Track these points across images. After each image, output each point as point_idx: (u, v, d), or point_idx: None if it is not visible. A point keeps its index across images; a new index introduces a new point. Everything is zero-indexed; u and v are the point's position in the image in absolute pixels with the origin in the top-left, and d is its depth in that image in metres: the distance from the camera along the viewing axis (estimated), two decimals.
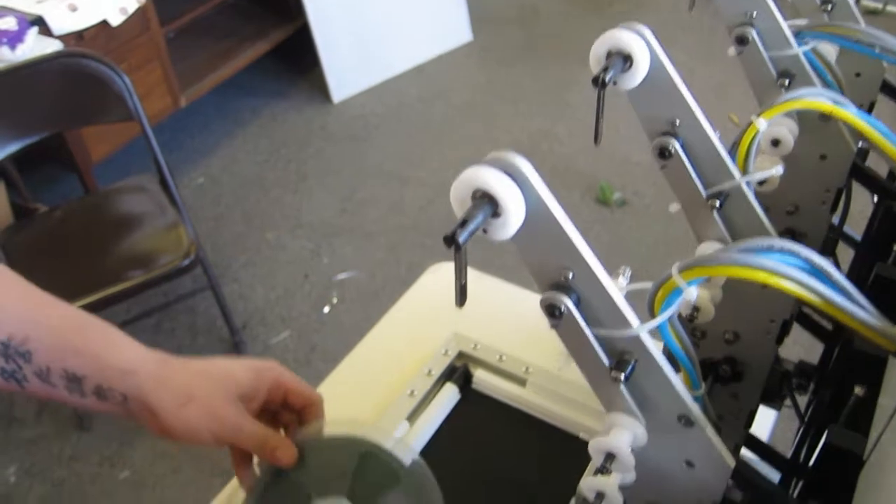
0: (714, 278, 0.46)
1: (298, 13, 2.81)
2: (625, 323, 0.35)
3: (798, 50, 0.54)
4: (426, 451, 0.82)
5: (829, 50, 0.63)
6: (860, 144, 0.64)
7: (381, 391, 0.87)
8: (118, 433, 1.94)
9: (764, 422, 0.87)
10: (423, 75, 3.16)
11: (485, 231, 0.34)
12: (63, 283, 1.72)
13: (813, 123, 0.57)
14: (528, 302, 1.00)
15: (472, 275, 1.06)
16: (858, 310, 0.35)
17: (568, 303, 0.35)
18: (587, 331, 0.36)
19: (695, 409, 0.37)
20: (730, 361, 0.55)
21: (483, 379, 0.87)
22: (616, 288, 0.35)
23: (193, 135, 2.89)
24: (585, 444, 0.42)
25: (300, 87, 3.15)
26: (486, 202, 0.32)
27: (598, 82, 0.40)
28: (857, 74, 0.67)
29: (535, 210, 0.34)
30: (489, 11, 3.47)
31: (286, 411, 0.64)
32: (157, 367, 0.57)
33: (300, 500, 0.60)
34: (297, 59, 3.16)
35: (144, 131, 1.87)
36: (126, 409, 0.56)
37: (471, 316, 0.96)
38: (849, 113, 0.43)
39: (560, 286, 0.36)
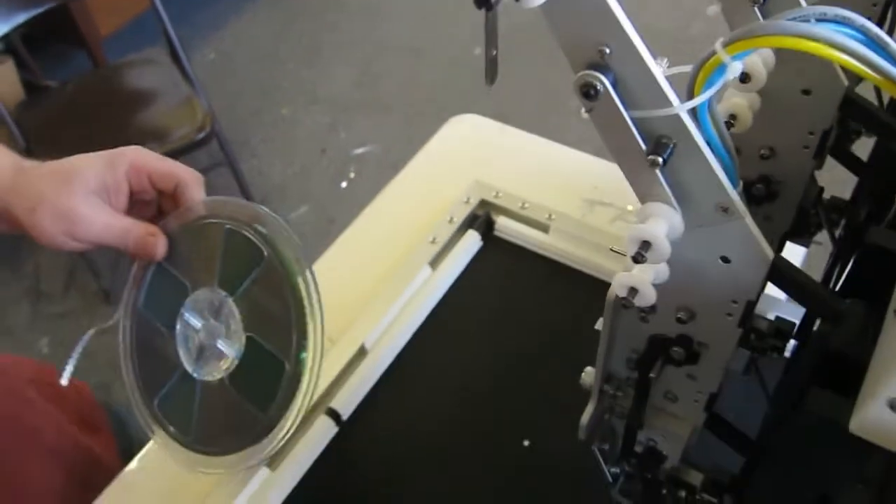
0: (755, 79, 0.43)
1: None
2: (665, 101, 0.33)
3: None
4: (449, 297, 0.82)
5: None
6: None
7: (402, 239, 0.87)
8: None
9: (793, 260, 0.87)
10: None
11: None
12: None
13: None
14: (551, 152, 0.98)
15: (493, 126, 1.04)
16: None
17: (605, 81, 0.33)
18: (624, 112, 0.34)
19: (734, 195, 0.36)
20: (764, 180, 0.53)
21: (506, 226, 0.86)
22: (656, 65, 0.33)
23: (201, 9, 2.80)
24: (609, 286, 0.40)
25: None
26: None
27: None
28: None
29: None
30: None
31: (166, 198, 0.60)
32: (13, 175, 0.56)
33: (178, 293, 0.59)
34: None
35: (153, 1, 1.81)
36: (4, 223, 0.57)
37: (493, 166, 0.94)
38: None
39: (595, 65, 0.34)
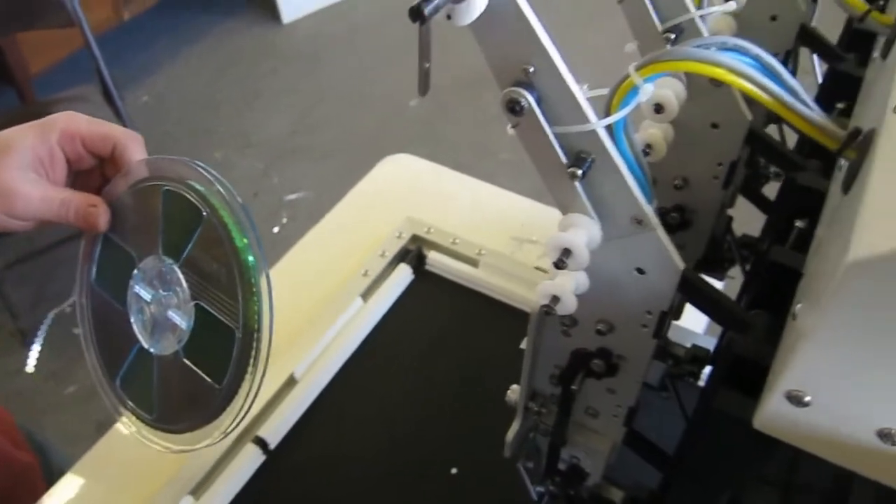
0: (667, 109, 0.47)
1: None
2: (583, 118, 0.36)
3: None
4: (380, 328, 0.83)
5: None
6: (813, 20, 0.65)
7: (335, 272, 0.88)
8: (65, 348, 1.91)
9: None
10: None
11: (448, 17, 0.34)
12: None
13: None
14: (481, 192, 1.01)
15: (426, 165, 1.07)
16: (805, 108, 0.37)
17: (529, 97, 0.36)
18: (547, 127, 0.37)
19: (648, 210, 0.38)
20: (679, 209, 0.57)
21: (437, 260, 0.88)
22: (576, 83, 0.36)
23: (136, 52, 2.80)
24: None
25: (248, 5, 3.06)
26: None
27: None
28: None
29: (497, 2, 0.34)
30: None
31: (108, 164, 0.56)
32: None
33: (126, 265, 0.56)
34: None
35: (85, 38, 1.81)
36: None
37: (425, 203, 0.97)
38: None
39: (521, 83, 0.36)
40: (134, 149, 0.55)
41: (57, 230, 1.99)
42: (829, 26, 0.62)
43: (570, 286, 0.40)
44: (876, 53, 0.55)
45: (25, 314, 1.93)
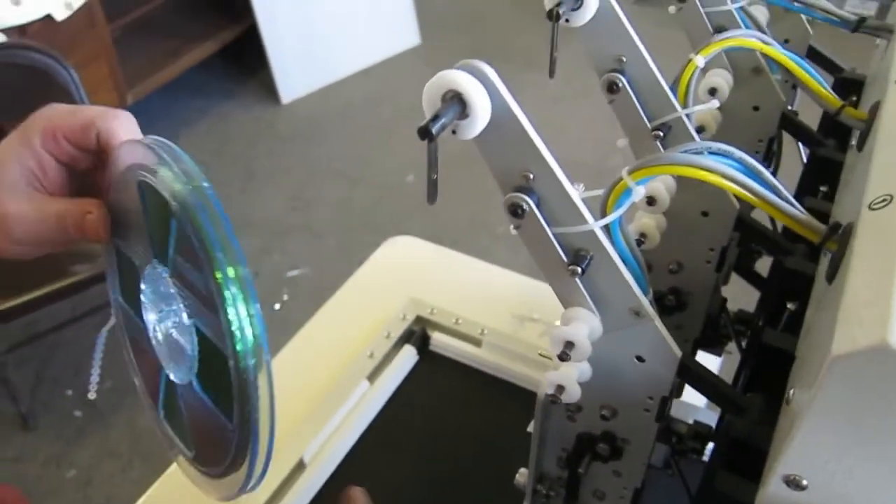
0: (659, 202, 0.50)
1: (247, 14, 2.81)
2: (581, 220, 0.39)
3: (731, 6, 0.59)
4: (386, 410, 0.84)
5: (761, 17, 0.68)
6: (795, 105, 0.70)
7: (340, 354, 0.90)
8: (64, 432, 1.90)
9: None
10: (372, 78, 3.20)
11: (454, 132, 0.37)
12: (2, 279, 1.69)
13: (746, 76, 0.62)
14: (482, 271, 1.04)
15: (427, 247, 1.09)
16: (787, 205, 0.39)
17: (530, 201, 0.39)
18: (547, 229, 0.39)
19: (644, 302, 0.41)
20: (674, 292, 0.59)
21: (440, 341, 0.90)
22: (573, 188, 0.39)
23: None
24: None
25: (248, 87, 3.15)
26: (456, 102, 0.35)
27: (552, 16, 0.44)
28: (786, 40, 0.73)
29: (500, 112, 0.37)
30: (437, 16, 3.52)
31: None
32: None
33: (135, 275, 0.48)
34: (245, 59, 3.16)
35: None
36: None
37: (427, 284, 0.99)
38: (775, 49, 0.48)
39: (521, 188, 0.39)
40: (117, 130, 0.46)
41: (56, 312, 2.01)
42: (812, 109, 0.66)
43: (573, 376, 0.42)
44: (853, 142, 0.58)
45: (25, 398, 1.92)
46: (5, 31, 2.01)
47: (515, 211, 0.39)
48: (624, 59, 0.49)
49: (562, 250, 0.40)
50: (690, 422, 0.62)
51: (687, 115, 0.50)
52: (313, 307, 1.00)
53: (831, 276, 0.39)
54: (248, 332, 0.37)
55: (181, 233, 0.40)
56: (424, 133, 0.34)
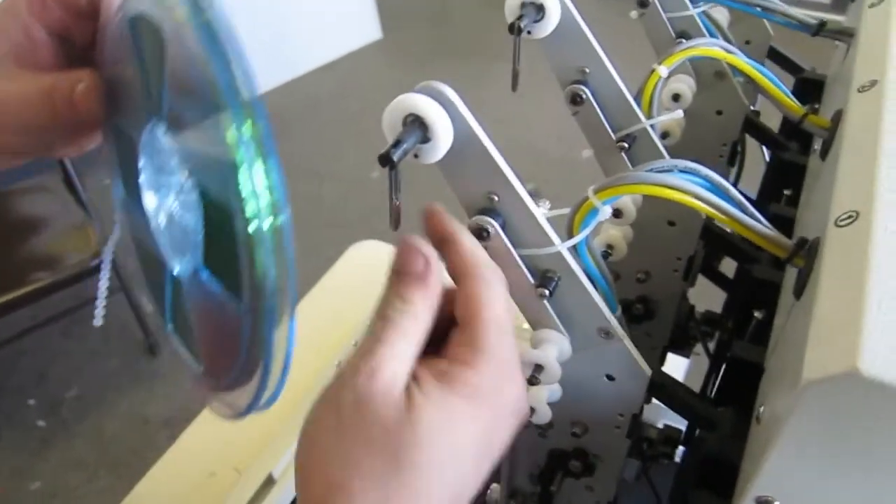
0: (626, 214, 0.49)
1: None
2: (547, 241, 0.38)
3: (693, 11, 0.59)
4: None
5: (721, 19, 0.68)
6: (753, 108, 0.70)
7: (307, 364, 0.88)
8: (28, 444, 1.86)
9: (676, 371, 0.93)
10: (335, 73, 3.17)
11: (416, 156, 0.36)
12: None
13: (709, 80, 0.61)
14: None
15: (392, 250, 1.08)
16: (753, 221, 0.39)
17: (495, 224, 0.38)
18: (513, 251, 0.38)
19: (613, 321, 0.40)
20: (642, 300, 0.59)
21: None
22: (538, 209, 0.38)
23: None
24: None
25: None
26: (418, 126, 0.34)
27: (514, 29, 0.43)
28: (747, 42, 0.73)
29: (462, 135, 0.36)
30: (399, 10, 3.50)
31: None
32: None
33: (132, 152, 0.38)
34: None
35: None
36: None
37: None
38: (738, 58, 0.48)
39: (486, 210, 0.38)
40: None
41: (17, 319, 1.96)
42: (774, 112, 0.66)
43: (543, 397, 0.42)
44: (816, 146, 0.59)
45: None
46: None
47: (480, 234, 0.38)
48: (587, 71, 0.48)
49: (529, 272, 0.39)
50: (660, 426, 0.62)
51: (652, 126, 0.49)
52: None
53: (799, 291, 0.38)
54: (261, 183, 0.29)
55: (175, 60, 0.32)
56: (385, 160, 0.33)
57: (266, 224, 0.29)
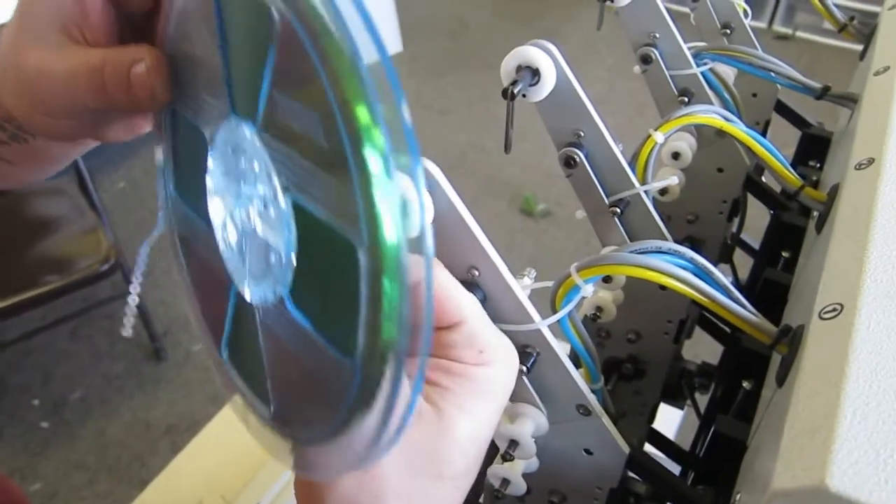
0: (615, 280, 0.49)
1: None
2: (527, 318, 0.38)
3: (696, 70, 0.58)
4: None
5: (728, 71, 0.68)
6: (756, 161, 0.69)
7: None
8: (30, 444, 1.88)
9: (670, 421, 0.92)
10: None
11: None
12: None
13: (710, 138, 0.61)
14: None
15: None
16: (737, 306, 0.39)
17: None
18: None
19: (592, 399, 0.40)
20: (632, 360, 0.58)
21: None
22: (518, 285, 0.38)
23: None
24: None
25: None
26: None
27: (507, 95, 0.43)
28: (754, 95, 0.73)
29: (443, 212, 0.36)
30: (419, 23, 3.51)
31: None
32: None
33: (196, 147, 0.34)
34: None
35: None
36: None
37: None
38: (736, 128, 0.47)
39: (468, 283, 0.38)
40: None
41: (26, 319, 1.98)
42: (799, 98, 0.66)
43: (519, 469, 0.42)
44: (816, 213, 0.58)
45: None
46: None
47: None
48: (582, 134, 0.48)
49: None
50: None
51: (646, 192, 0.49)
52: None
53: (781, 379, 0.38)
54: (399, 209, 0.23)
55: (286, 58, 0.26)
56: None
57: (402, 274, 0.23)
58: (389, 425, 0.25)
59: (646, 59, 0.58)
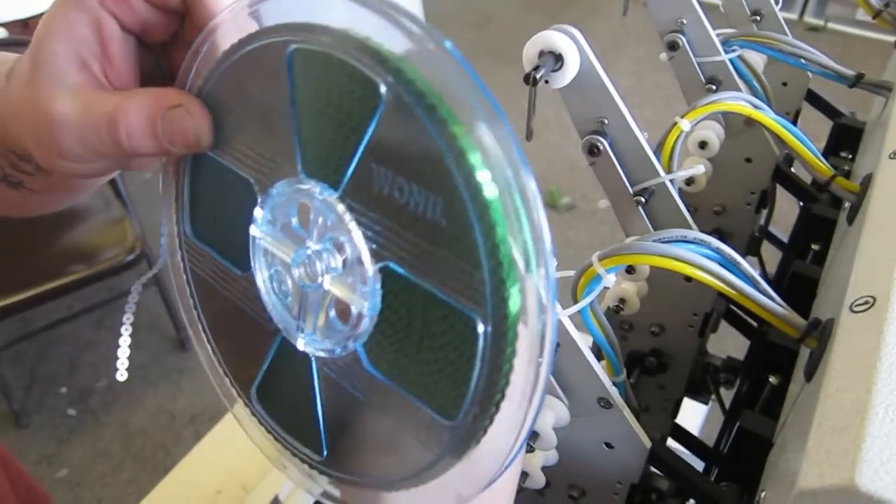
0: (639, 271, 0.48)
1: None
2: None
3: (725, 57, 0.57)
4: None
5: (757, 60, 0.66)
6: (786, 151, 0.68)
7: None
8: (57, 432, 1.90)
9: (695, 416, 0.91)
10: None
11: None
12: (1, 277, 1.69)
13: (738, 127, 0.60)
14: None
15: None
16: (765, 298, 0.37)
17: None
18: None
19: (613, 391, 0.39)
20: (655, 353, 0.57)
21: None
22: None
23: None
24: None
25: None
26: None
27: (529, 80, 0.42)
28: (784, 84, 0.71)
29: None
30: (445, 16, 3.50)
31: (190, 22, 0.33)
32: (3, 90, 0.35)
33: (240, 199, 0.32)
34: None
35: None
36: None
37: None
38: (765, 115, 0.46)
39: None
40: None
41: (52, 308, 2.00)
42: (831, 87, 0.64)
43: (538, 462, 0.41)
44: (847, 204, 0.56)
45: (18, 395, 1.92)
46: (7, 24, 2.00)
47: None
48: (606, 122, 0.47)
49: None
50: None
51: (671, 181, 0.48)
52: None
53: (809, 374, 0.37)
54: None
55: (392, 133, 0.25)
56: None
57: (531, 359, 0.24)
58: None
59: (673, 46, 0.57)
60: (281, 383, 0.35)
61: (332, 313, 0.30)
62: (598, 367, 0.38)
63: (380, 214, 0.27)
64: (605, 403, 0.39)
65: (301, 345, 0.32)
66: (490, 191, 0.24)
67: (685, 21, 0.56)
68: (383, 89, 0.25)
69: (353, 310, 0.29)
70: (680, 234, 0.37)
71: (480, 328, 0.25)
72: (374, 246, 0.28)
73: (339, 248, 0.29)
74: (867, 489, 0.26)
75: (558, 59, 0.44)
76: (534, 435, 0.38)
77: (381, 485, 0.31)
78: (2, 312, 1.65)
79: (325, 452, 0.33)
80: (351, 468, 0.33)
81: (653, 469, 0.47)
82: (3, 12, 2.00)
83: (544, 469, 0.42)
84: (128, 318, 0.42)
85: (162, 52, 0.35)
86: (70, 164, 0.33)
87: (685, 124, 0.47)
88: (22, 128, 0.33)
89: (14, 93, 0.33)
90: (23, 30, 2.05)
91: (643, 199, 0.48)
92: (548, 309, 0.24)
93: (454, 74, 0.24)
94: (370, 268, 0.28)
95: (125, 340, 0.43)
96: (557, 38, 0.42)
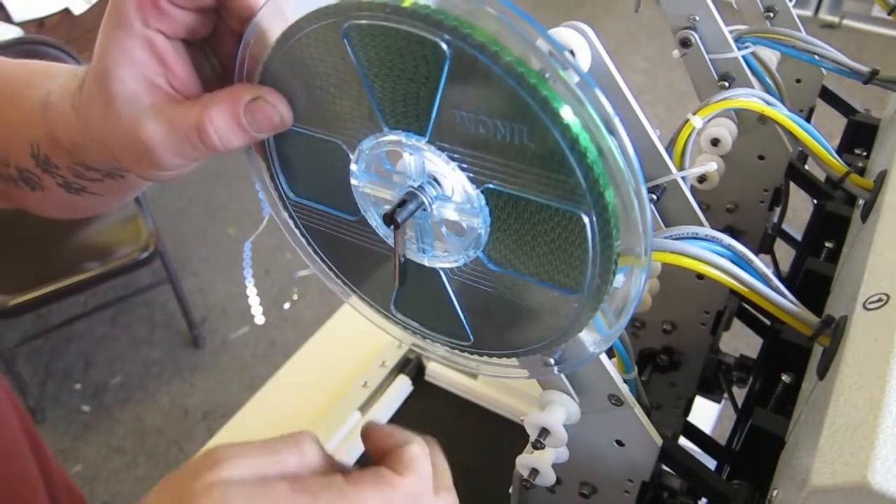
0: (651, 268, 0.47)
1: None
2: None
3: (738, 53, 0.56)
4: None
5: (771, 57, 0.66)
6: (799, 148, 0.67)
7: (335, 382, 0.88)
8: (71, 427, 1.92)
9: (707, 414, 0.90)
10: None
11: None
12: (17, 273, 1.70)
13: (751, 124, 0.59)
14: None
15: None
16: (777, 296, 0.37)
17: None
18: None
19: (624, 389, 0.39)
20: (667, 351, 0.57)
21: (436, 371, 0.88)
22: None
23: None
24: None
25: None
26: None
27: (391, 221, 0.39)
28: (798, 80, 0.71)
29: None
30: None
31: (228, 10, 0.35)
32: (75, 114, 0.38)
33: (330, 159, 0.37)
34: None
35: None
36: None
37: None
38: (778, 112, 0.46)
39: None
40: None
41: (68, 305, 2.02)
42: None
43: (549, 459, 0.41)
44: (861, 201, 0.56)
45: (34, 391, 1.94)
46: (23, 24, 2.01)
47: None
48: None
49: None
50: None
51: (683, 178, 0.48)
52: (323, 307, 0.99)
53: (822, 372, 0.37)
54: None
55: (467, 76, 0.29)
56: (390, 220, 0.33)
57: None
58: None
59: (685, 43, 0.56)
60: (415, 295, 0.40)
61: (445, 230, 0.36)
62: (610, 365, 0.38)
63: (469, 149, 0.31)
64: (616, 401, 0.39)
65: (427, 262, 0.37)
66: (567, 114, 0.28)
67: (698, 17, 0.56)
68: (444, 46, 0.29)
69: (465, 226, 0.34)
70: (692, 230, 0.37)
71: (586, 220, 0.30)
72: (470, 175, 0.32)
73: (439, 181, 0.34)
74: (880, 487, 0.26)
75: (570, 54, 0.44)
76: (544, 432, 0.38)
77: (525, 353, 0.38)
78: (18, 309, 1.67)
79: (472, 338, 0.40)
80: (494, 346, 0.39)
81: (664, 467, 0.47)
82: (19, 12, 2.01)
83: (555, 466, 0.42)
84: (248, 272, 0.50)
85: (206, 46, 0.37)
86: (168, 173, 0.36)
87: (697, 121, 0.47)
88: (119, 153, 0.36)
89: (95, 121, 0.36)
90: (38, 29, 2.06)
91: (655, 197, 0.48)
92: (632, 160, 0.29)
93: (507, 21, 0.28)
94: (472, 192, 0.33)
95: (252, 290, 0.50)
96: (568, 35, 0.42)
